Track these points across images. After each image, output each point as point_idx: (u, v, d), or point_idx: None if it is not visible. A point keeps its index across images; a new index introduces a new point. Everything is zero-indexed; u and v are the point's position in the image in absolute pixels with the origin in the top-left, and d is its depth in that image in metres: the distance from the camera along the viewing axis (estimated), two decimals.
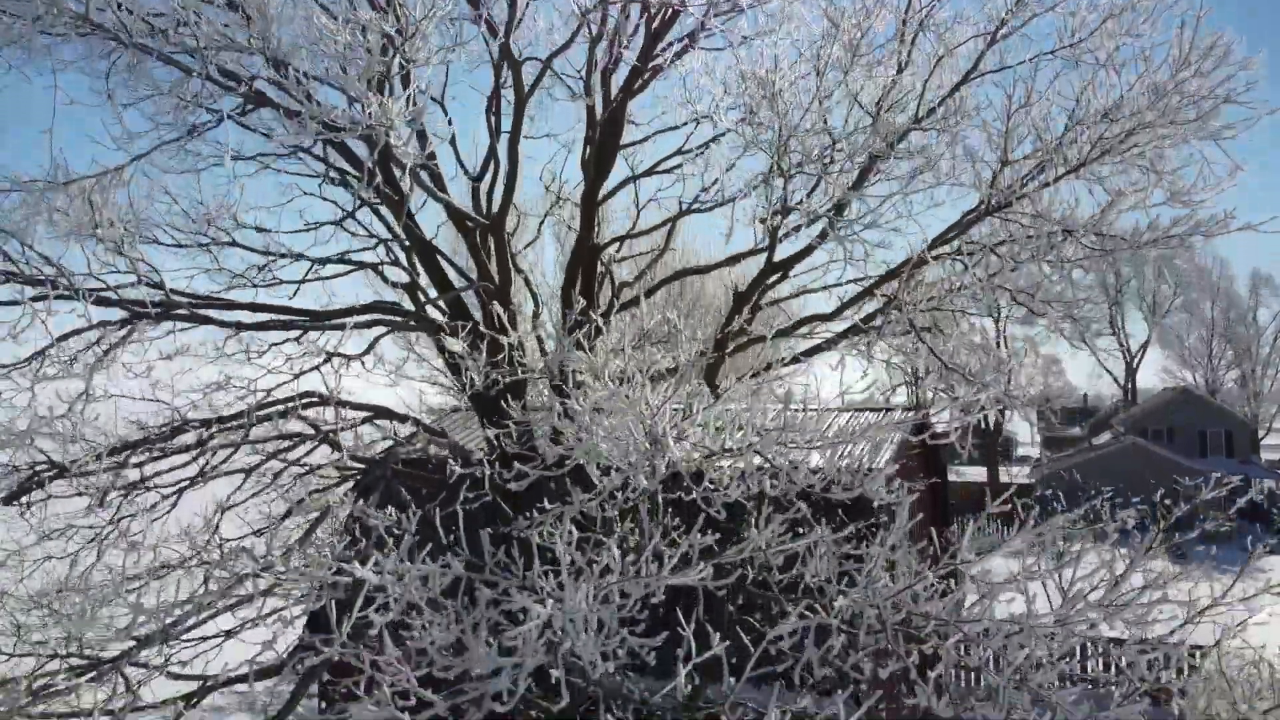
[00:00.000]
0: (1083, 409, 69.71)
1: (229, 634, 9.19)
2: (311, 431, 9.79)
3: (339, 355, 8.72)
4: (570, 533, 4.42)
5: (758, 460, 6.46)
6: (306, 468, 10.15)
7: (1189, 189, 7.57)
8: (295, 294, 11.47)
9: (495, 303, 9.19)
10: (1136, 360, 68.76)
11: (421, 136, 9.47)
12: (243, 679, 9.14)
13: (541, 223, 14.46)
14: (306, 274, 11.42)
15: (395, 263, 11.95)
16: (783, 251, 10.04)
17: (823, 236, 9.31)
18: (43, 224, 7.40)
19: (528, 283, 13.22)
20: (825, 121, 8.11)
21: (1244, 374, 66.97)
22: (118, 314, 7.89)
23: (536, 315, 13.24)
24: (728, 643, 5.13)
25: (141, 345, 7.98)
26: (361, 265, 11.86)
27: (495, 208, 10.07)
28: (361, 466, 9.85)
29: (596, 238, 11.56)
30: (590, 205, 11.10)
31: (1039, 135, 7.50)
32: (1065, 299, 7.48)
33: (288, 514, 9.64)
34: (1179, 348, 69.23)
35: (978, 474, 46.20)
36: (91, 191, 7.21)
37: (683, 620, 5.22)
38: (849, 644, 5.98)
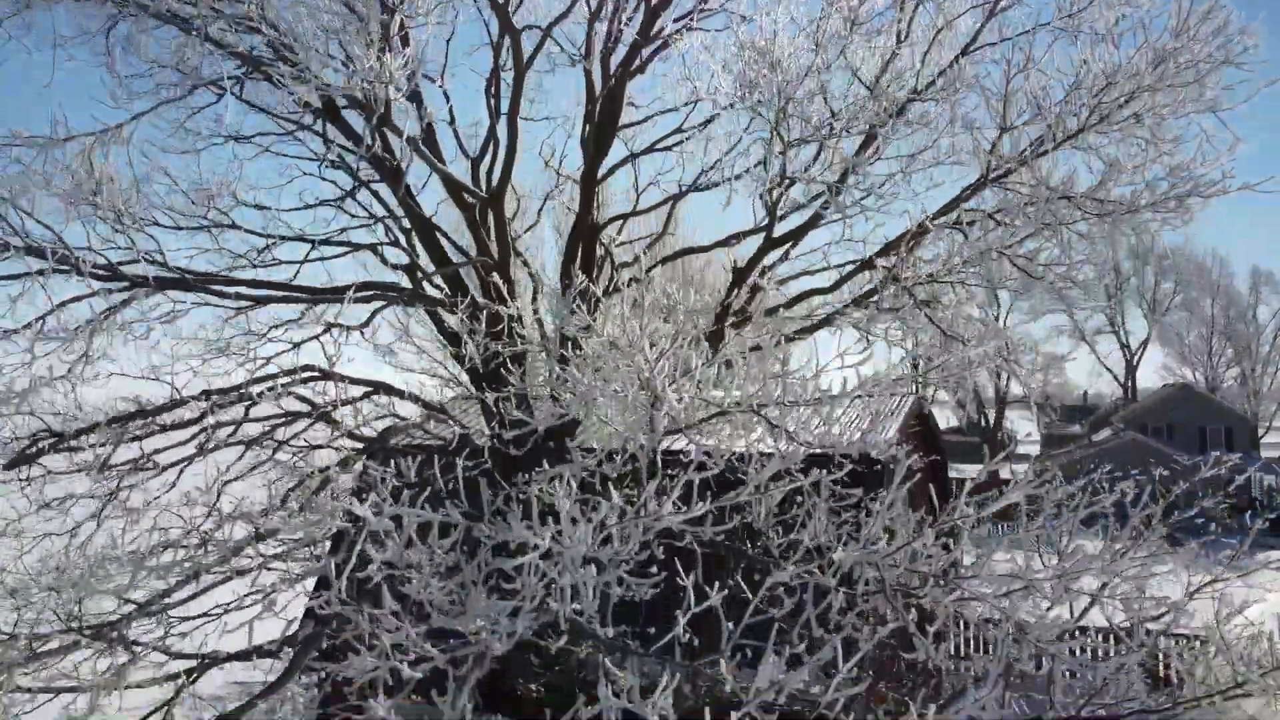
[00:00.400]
0: (1083, 407, 69.71)
1: (228, 609, 9.20)
2: (308, 408, 9.80)
3: (338, 326, 8.71)
4: (570, 486, 4.42)
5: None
6: (305, 444, 10.15)
7: (1189, 163, 7.57)
8: (295, 275, 11.49)
9: (495, 274, 9.19)
10: (1136, 358, 68.80)
11: (419, 103, 9.47)
12: (245, 655, 9.16)
13: (541, 208, 14.46)
14: (307, 255, 11.43)
15: (395, 243, 11.96)
16: (784, 232, 10.05)
17: (824, 209, 9.31)
18: (42, 192, 7.39)
19: (526, 265, 13.22)
20: (824, 91, 8.12)
21: (1244, 372, 67.01)
22: (118, 287, 7.89)
23: (536, 299, 13.24)
24: (725, 592, 5.14)
25: (143, 316, 7.98)
26: (360, 246, 11.86)
27: (495, 185, 10.08)
28: (360, 445, 9.85)
29: (596, 218, 11.56)
30: (590, 183, 11.10)
31: (1038, 104, 7.51)
32: (1064, 262, 7.48)
33: (293, 489, 9.62)
34: (1179, 345, 69.30)
35: (976, 473, 46.07)
36: (91, 150, 7.21)
37: (681, 572, 5.22)
38: (848, 604, 5.98)
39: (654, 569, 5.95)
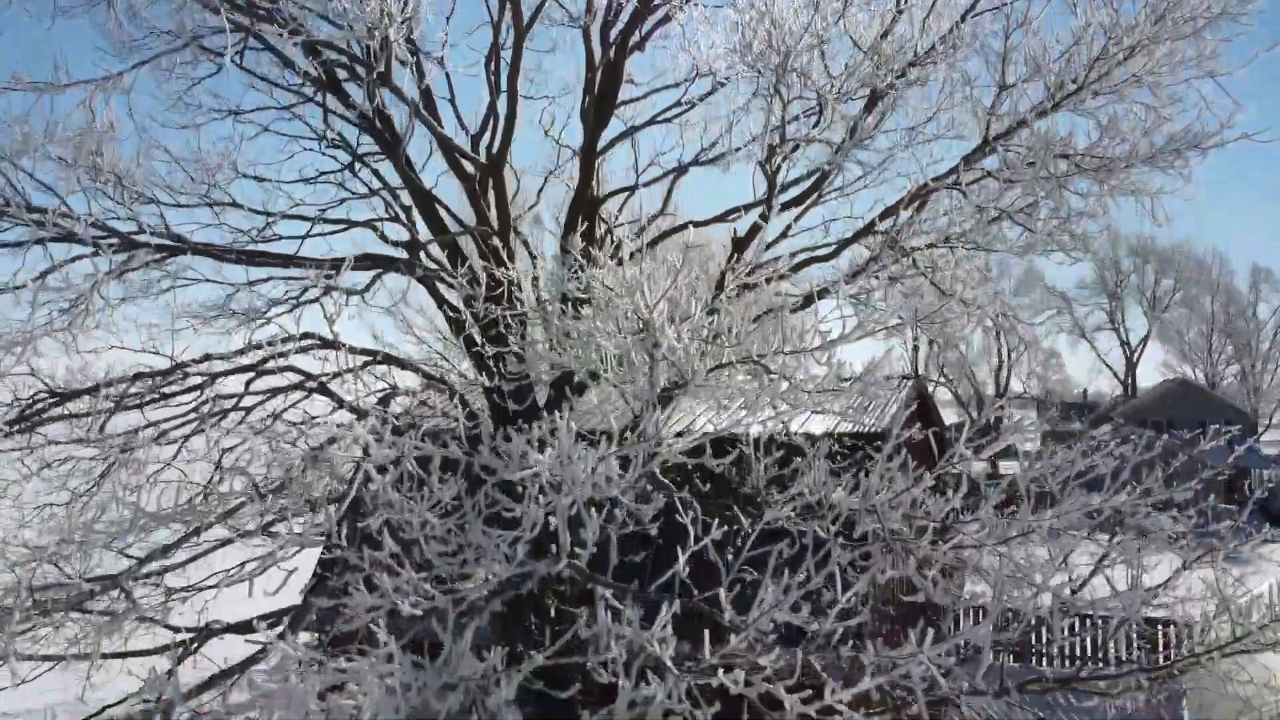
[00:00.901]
0: (1082, 404, 69.72)
1: (230, 575, 9.20)
2: (311, 381, 9.81)
3: (338, 289, 8.71)
4: (570, 424, 4.42)
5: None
6: (306, 414, 10.16)
7: (1189, 126, 7.58)
8: (296, 252, 11.50)
9: (495, 238, 9.21)
10: (1136, 355, 68.82)
11: (418, 64, 9.49)
12: (246, 627, 9.16)
13: (541, 189, 14.47)
14: (307, 232, 11.45)
15: (395, 218, 11.98)
16: (784, 200, 10.06)
17: (824, 178, 9.33)
18: (43, 153, 7.40)
19: (526, 245, 13.23)
20: (823, 50, 8.13)
21: (1244, 369, 67.04)
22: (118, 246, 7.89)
23: (536, 270, 13.25)
24: (725, 528, 5.15)
25: (144, 278, 7.99)
26: (359, 224, 11.87)
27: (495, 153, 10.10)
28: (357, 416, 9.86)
29: (596, 192, 11.58)
30: (589, 156, 11.12)
31: (1037, 63, 7.52)
32: (1061, 215, 7.49)
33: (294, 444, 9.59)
34: (1179, 343, 69.34)
35: (977, 471, 46.13)
36: (92, 98, 7.23)
37: (680, 509, 5.23)
38: (849, 559, 5.99)
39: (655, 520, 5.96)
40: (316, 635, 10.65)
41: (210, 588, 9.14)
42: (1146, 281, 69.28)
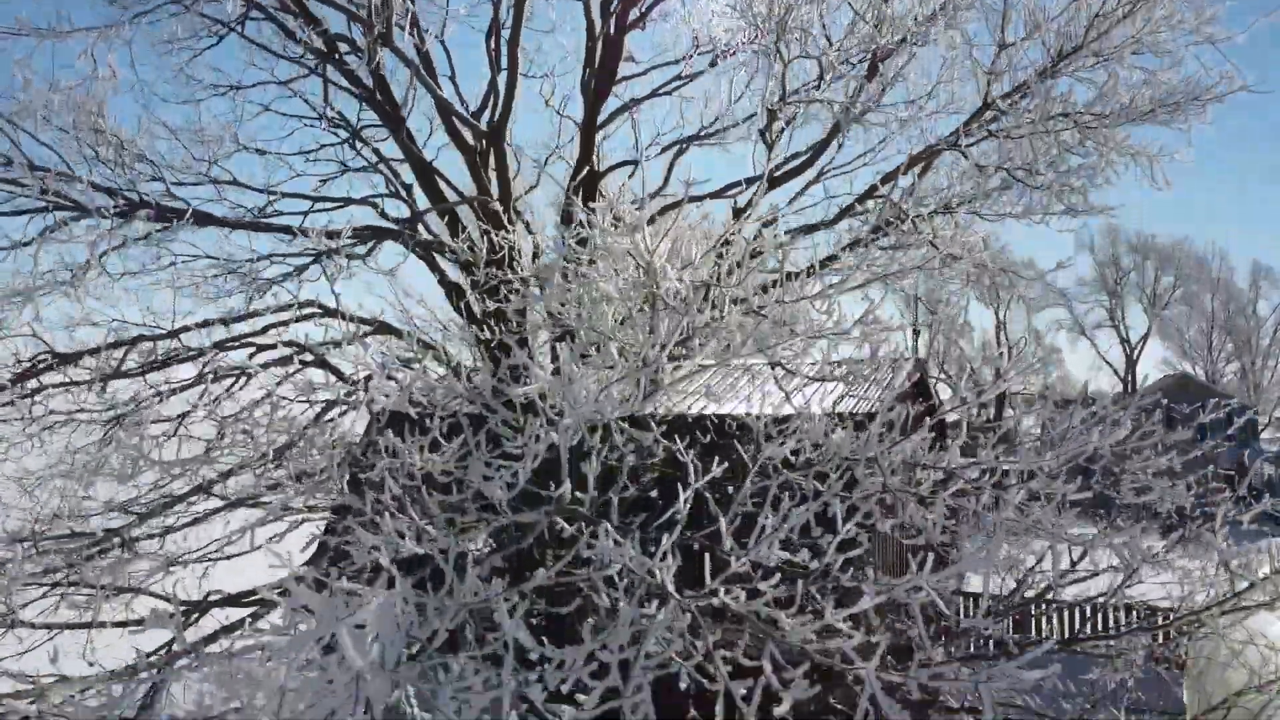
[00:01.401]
0: (1083, 401, 69.59)
1: (230, 539, 9.21)
2: (307, 354, 9.83)
3: (339, 253, 8.72)
4: (570, 341, 4.44)
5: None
6: (307, 382, 10.16)
7: (1188, 80, 7.59)
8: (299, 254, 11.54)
9: (496, 203, 9.22)
10: (1136, 352, 68.75)
11: (416, 28, 9.51)
12: (249, 596, 9.17)
13: (541, 169, 14.49)
14: (309, 210, 11.48)
15: (395, 194, 12.00)
16: (784, 170, 10.08)
17: (824, 146, 9.36)
18: (45, 113, 7.42)
19: (527, 225, 13.25)
20: (822, 18, 8.16)
21: (1244, 366, 66.98)
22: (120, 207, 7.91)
23: (536, 252, 13.25)
24: (726, 465, 5.16)
25: (145, 239, 8.01)
26: (358, 201, 11.89)
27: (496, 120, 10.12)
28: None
29: (596, 165, 11.59)
30: (590, 129, 11.13)
31: (1037, 22, 7.53)
32: (1061, 167, 7.50)
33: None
34: (1179, 340, 69.26)
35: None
36: (94, 46, 7.25)
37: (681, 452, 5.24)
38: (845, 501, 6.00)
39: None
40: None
41: (214, 558, 9.16)
42: (1146, 279, 69.26)
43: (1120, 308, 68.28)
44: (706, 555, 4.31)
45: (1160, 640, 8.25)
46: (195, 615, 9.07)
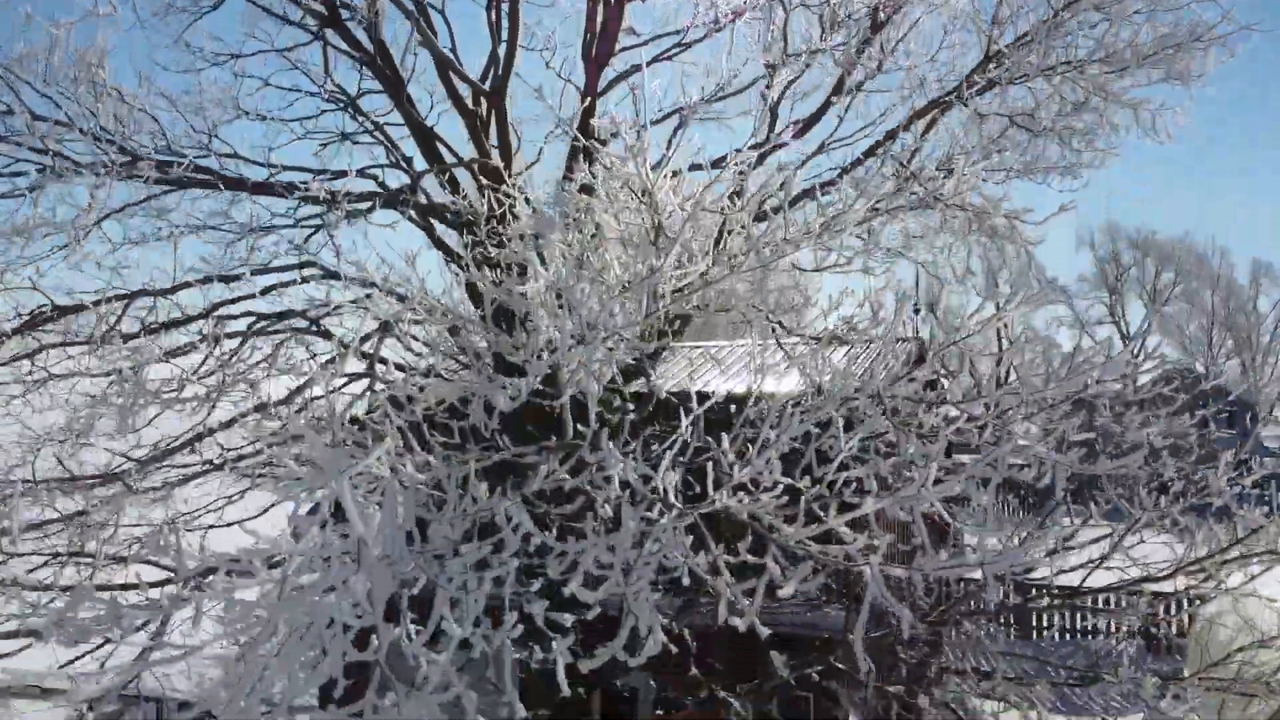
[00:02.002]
0: (1083, 397, 69.51)
1: (230, 501, 9.18)
2: (303, 319, 9.83)
3: (338, 205, 8.71)
4: (570, 251, 4.42)
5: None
6: (307, 349, 10.16)
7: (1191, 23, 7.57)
8: (297, 209, 11.55)
9: (497, 157, 9.21)
10: (1136, 349, 68.71)
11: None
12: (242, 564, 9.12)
13: (541, 149, 14.49)
14: (309, 182, 11.48)
15: (395, 164, 12.01)
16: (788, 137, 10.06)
17: (825, 108, 9.36)
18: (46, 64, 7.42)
19: (528, 201, 13.23)
20: None
21: (1244, 363, 66.98)
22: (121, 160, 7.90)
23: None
24: (728, 392, 5.14)
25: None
26: (359, 172, 11.88)
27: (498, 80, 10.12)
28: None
29: (596, 134, 11.57)
30: (590, 99, 11.11)
31: None
32: (1065, 111, 7.48)
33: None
34: (1179, 336, 69.26)
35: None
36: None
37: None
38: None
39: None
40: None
41: (215, 526, 9.13)
42: (1147, 275, 69.27)
43: (1120, 304, 68.30)
44: (709, 466, 4.29)
45: (1161, 600, 8.24)
46: (195, 586, 9.06)
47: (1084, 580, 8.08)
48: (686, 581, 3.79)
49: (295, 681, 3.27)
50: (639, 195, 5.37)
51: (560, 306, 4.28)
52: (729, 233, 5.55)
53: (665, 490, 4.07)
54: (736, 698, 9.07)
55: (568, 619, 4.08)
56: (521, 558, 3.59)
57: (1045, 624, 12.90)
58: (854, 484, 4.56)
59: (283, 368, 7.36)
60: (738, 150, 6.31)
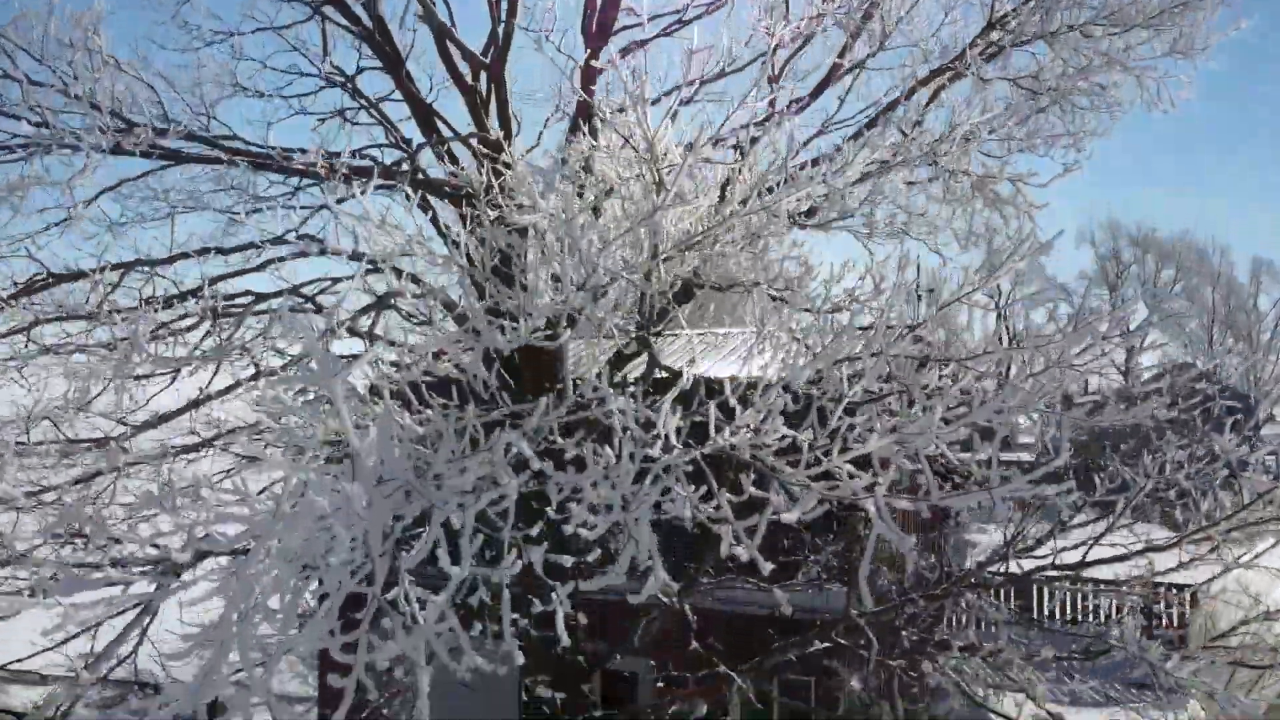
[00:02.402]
0: (1083, 393, 69.58)
1: (227, 474, 9.10)
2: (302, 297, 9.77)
3: (336, 173, 8.64)
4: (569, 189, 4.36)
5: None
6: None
7: None
8: (299, 184, 11.50)
9: (498, 124, 9.14)
10: (1137, 346, 68.72)
11: None
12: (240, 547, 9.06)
13: (541, 134, 14.44)
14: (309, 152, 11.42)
15: (394, 144, 11.97)
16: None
17: (829, 76, 9.31)
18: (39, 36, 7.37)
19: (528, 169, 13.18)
20: None
21: (1244, 360, 66.91)
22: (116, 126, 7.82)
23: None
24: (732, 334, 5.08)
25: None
26: (355, 153, 11.82)
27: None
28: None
29: (596, 108, 11.52)
30: (589, 71, 11.06)
31: None
32: (1068, 73, 7.41)
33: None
34: (1180, 334, 69.23)
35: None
36: None
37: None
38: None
39: None
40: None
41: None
42: (1147, 272, 69.28)
43: (1121, 300, 68.28)
44: (712, 408, 4.23)
45: (1165, 579, 8.18)
46: (192, 564, 8.98)
47: (1085, 553, 8.04)
48: (688, 516, 3.71)
49: (290, 612, 3.21)
50: (639, 149, 5.31)
51: (562, 249, 4.22)
52: (730, 185, 5.49)
53: (666, 433, 4.01)
54: (738, 674, 9.03)
55: (567, 561, 4.03)
56: (523, 485, 3.53)
57: (1047, 599, 12.86)
58: (856, 429, 4.49)
59: (278, 341, 7.27)
60: (742, 100, 6.24)
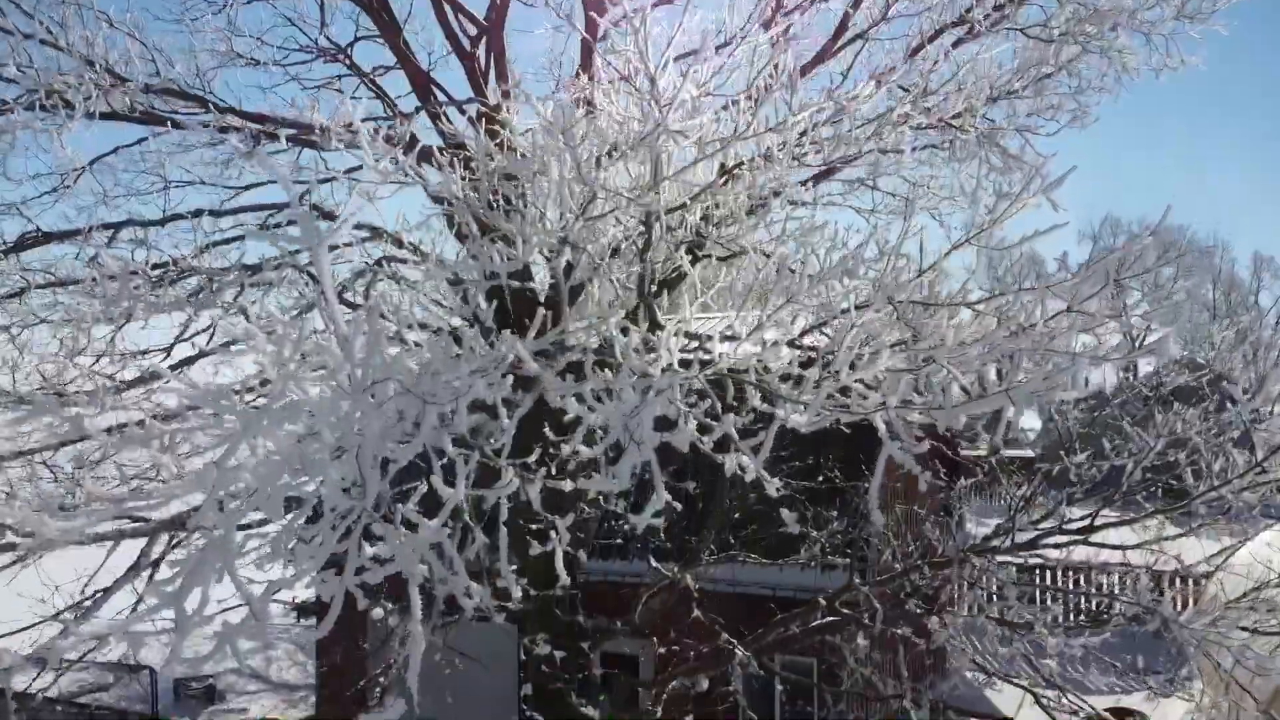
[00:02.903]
0: (1084, 391, 69.57)
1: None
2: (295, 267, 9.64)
3: (328, 133, 8.49)
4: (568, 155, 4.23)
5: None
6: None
7: None
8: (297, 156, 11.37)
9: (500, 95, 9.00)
10: (1137, 342, 68.69)
11: None
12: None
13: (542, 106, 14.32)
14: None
15: (390, 118, 11.86)
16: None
17: (831, 44, 9.18)
18: None
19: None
20: None
21: (1245, 357, 66.92)
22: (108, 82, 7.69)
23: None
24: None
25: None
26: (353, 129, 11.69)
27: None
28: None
29: (596, 78, 11.40)
30: (590, 40, 10.94)
31: None
32: (1076, 20, 7.26)
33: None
34: (1180, 331, 69.21)
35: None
36: None
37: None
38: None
39: None
40: None
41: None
42: (1148, 270, 69.16)
43: (1121, 298, 68.31)
44: (717, 339, 4.10)
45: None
46: (184, 540, 8.85)
47: (1093, 518, 7.92)
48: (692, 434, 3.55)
49: (275, 497, 3.08)
50: (639, 89, 5.19)
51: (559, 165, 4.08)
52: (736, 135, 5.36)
53: (670, 356, 3.88)
54: (738, 648, 8.90)
55: (566, 485, 3.89)
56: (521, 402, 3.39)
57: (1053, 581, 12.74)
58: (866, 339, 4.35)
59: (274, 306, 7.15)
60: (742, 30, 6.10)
